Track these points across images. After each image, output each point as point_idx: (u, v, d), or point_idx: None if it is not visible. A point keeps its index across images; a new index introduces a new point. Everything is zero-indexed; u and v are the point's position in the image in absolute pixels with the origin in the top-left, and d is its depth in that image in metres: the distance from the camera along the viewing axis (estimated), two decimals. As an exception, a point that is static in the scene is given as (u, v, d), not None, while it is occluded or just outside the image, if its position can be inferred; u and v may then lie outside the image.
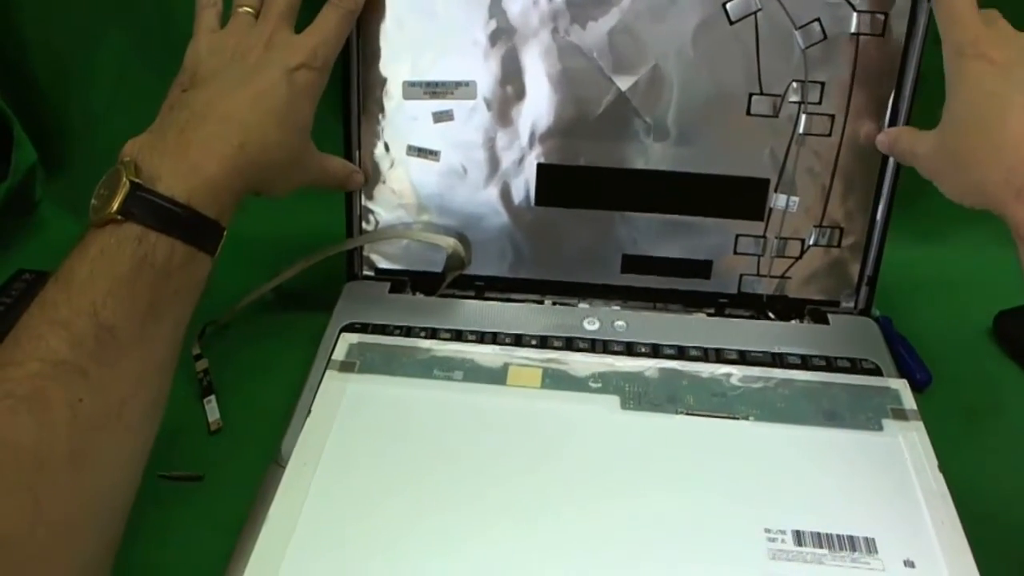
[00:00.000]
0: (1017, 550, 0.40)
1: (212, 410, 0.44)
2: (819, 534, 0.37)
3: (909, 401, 0.44)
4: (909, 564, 0.36)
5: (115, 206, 0.34)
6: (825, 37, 0.47)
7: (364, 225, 0.52)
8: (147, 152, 0.36)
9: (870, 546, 0.37)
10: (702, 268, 0.52)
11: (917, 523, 0.38)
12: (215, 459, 0.42)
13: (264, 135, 0.39)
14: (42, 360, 0.31)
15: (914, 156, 0.43)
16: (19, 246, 0.58)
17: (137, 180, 0.35)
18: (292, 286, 0.51)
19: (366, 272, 0.53)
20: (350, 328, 0.47)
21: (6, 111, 0.57)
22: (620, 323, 0.49)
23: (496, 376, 0.44)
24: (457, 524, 0.37)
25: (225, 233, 0.38)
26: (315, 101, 0.43)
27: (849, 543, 0.37)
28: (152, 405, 0.35)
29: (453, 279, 0.51)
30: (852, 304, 0.52)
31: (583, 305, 0.51)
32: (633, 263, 0.52)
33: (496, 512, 0.37)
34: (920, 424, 0.43)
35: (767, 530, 0.37)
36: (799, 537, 0.37)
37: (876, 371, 0.47)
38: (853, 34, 0.46)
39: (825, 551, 0.36)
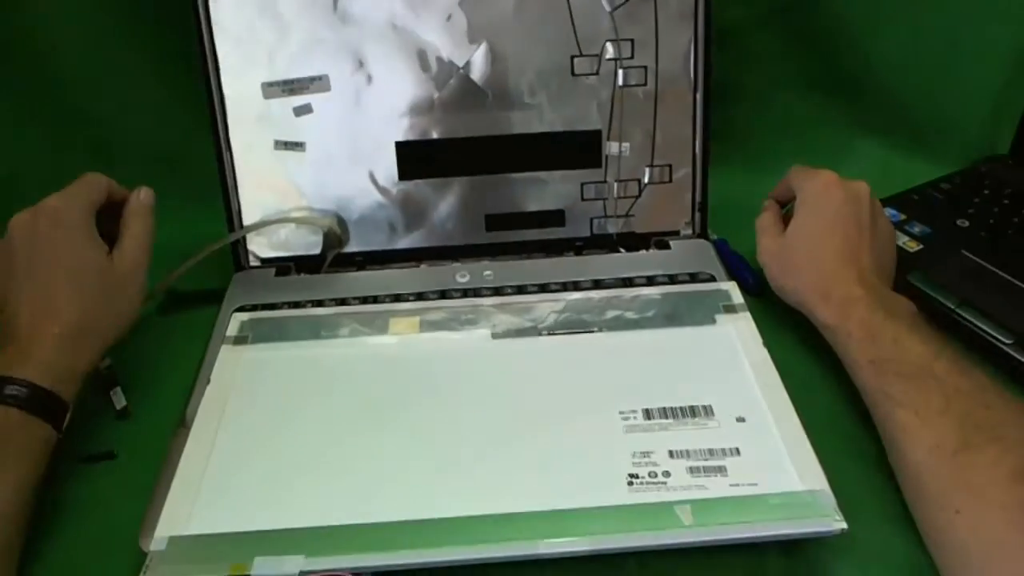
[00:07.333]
0: (829, 403, 0.47)
1: (119, 399, 0.47)
2: (664, 408, 0.43)
3: (738, 298, 0.52)
4: (741, 420, 0.43)
5: None
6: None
7: (244, 221, 0.56)
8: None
9: (708, 411, 0.43)
10: (557, 217, 0.58)
11: (746, 388, 0.45)
12: (125, 438, 0.45)
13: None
14: None
15: (760, 240, 0.53)
16: None
17: None
18: (182, 286, 0.54)
19: (252, 263, 0.57)
20: (241, 310, 0.52)
21: None
22: (488, 273, 0.55)
23: (378, 327, 0.49)
24: (353, 450, 0.42)
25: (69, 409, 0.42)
26: (73, 242, 0.45)
27: (690, 411, 0.43)
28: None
29: (334, 257, 0.56)
30: (690, 231, 0.59)
31: (456, 264, 0.57)
32: (496, 221, 0.58)
33: (388, 437, 0.42)
34: (747, 315, 0.50)
35: (621, 412, 0.43)
36: (648, 413, 0.43)
37: (711, 280, 0.54)
38: (650, -7, 0.54)
39: (671, 420, 0.43)
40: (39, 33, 0.59)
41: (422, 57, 0.54)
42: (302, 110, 0.54)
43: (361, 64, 0.54)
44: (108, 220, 0.47)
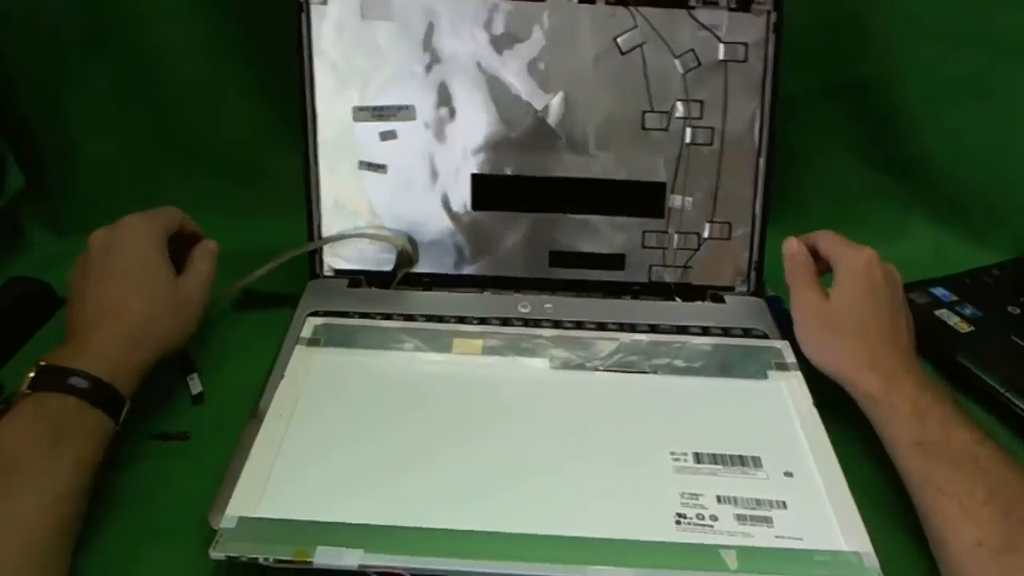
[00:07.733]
0: (872, 471, 0.47)
1: (195, 384, 0.50)
2: (714, 454, 0.45)
3: (790, 356, 0.53)
4: (788, 474, 0.44)
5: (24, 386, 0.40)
6: (699, 64, 0.57)
7: (323, 232, 0.59)
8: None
9: (756, 462, 0.45)
10: (617, 261, 0.60)
11: (795, 444, 0.46)
12: (200, 423, 0.48)
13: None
14: None
15: (799, 293, 0.52)
16: (6, 264, 0.63)
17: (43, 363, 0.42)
18: (259, 288, 0.57)
19: (326, 273, 0.60)
20: (314, 315, 0.54)
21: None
22: (549, 306, 0.57)
23: (443, 346, 0.51)
24: (414, 457, 0.43)
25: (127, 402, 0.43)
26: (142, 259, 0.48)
27: (739, 460, 0.45)
28: (58, 535, 0.38)
29: (403, 276, 0.58)
30: (745, 288, 0.61)
31: (517, 295, 0.59)
32: (559, 258, 0.60)
33: (448, 449, 0.44)
34: (799, 374, 0.51)
35: (672, 452, 0.45)
36: (698, 457, 0.45)
37: (764, 337, 0.56)
38: (721, 61, 0.57)
39: (720, 466, 0.44)
40: (146, 35, 0.63)
41: (503, 98, 0.57)
42: (387, 135, 0.58)
43: (446, 99, 0.57)
44: (176, 250, 0.50)
